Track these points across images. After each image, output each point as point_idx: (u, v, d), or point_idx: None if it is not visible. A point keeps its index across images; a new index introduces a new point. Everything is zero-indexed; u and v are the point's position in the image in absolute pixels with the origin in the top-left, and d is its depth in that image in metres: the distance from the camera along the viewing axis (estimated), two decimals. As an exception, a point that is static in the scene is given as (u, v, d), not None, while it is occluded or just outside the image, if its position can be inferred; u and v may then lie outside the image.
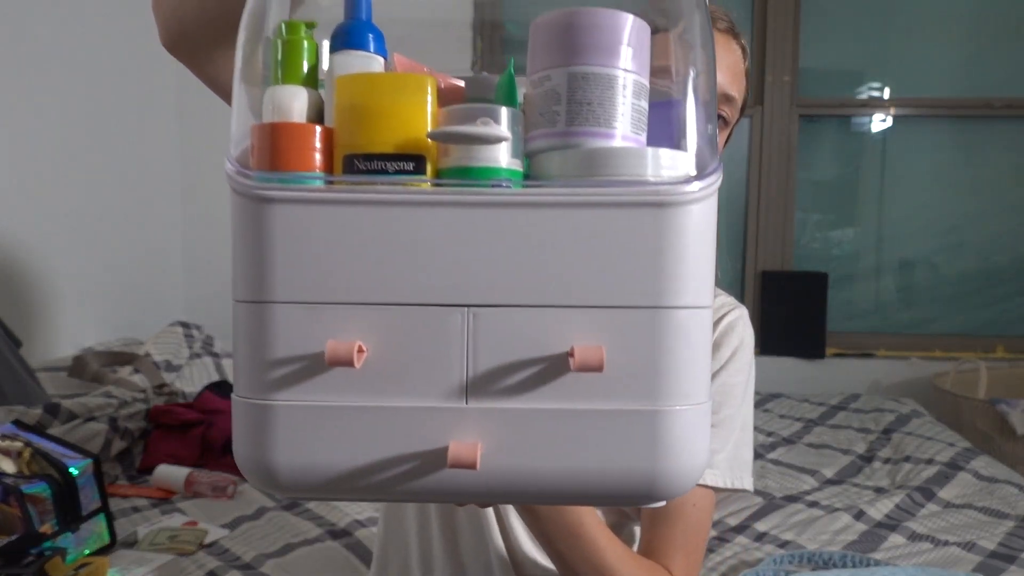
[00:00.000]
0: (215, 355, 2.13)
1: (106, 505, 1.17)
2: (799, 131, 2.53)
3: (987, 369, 2.27)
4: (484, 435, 0.42)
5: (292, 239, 0.41)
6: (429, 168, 0.41)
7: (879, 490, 1.58)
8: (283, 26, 0.45)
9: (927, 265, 2.61)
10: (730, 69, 0.86)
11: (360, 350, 0.41)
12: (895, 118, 2.55)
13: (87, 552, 1.12)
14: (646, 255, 0.41)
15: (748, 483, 0.82)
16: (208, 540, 1.23)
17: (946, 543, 1.30)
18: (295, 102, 0.43)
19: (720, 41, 0.85)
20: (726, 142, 0.99)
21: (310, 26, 0.46)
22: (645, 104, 0.45)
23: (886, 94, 2.56)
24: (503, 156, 0.42)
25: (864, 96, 2.57)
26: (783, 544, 1.31)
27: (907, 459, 1.72)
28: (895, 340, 2.55)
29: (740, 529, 1.37)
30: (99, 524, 1.15)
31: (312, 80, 0.45)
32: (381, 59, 0.45)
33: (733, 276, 2.64)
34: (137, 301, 2.39)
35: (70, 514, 1.10)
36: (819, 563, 1.21)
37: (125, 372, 1.90)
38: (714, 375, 0.87)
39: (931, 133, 2.56)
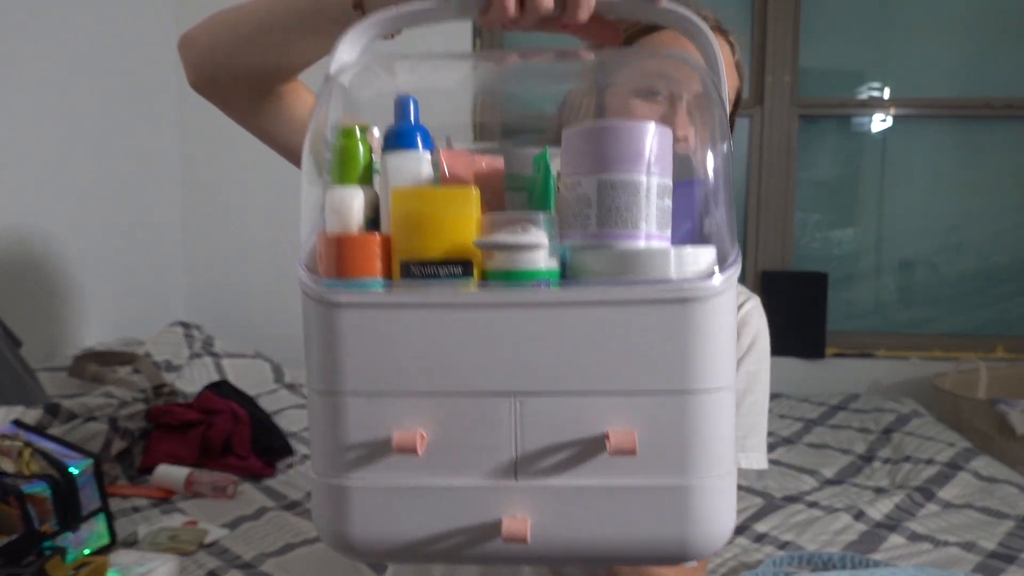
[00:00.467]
0: (215, 355, 2.13)
1: (106, 505, 1.17)
2: (799, 131, 2.53)
3: (987, 369, 2.27)
4: (532, 509, 0.47)
5: (358, 338, 0.46)
6: (476, 271, 0.46)
7: (879, 490, 1.58)
8: (340, 131, 0.51)
9: (927, 265, 2.61)
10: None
11: (422, 437, 0.46)
12: (895, 118, 2.55)
13: (87, 552, 1.12)
14: (673, 346, 0.45)
15: (766, 463, 0.90)
16: (208, 540, 1.23)
17: (946, 543, 1.30)
18: (354, 202, 0.48)
19: None
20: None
21: (363, 129, 0.51)
22: (668, 202, 0.49)
23: (886, 94, 2.56)
24: (541, 259, 0.46)
25: (864, 96, 2.57)
26: (783, 545, 1.31)
27: (907, 459, 1.72)
28: (895, 340, 2.55)
29: (740, 530, 1.37)
30: (99, 524, 1.15)
31: (368, 176, 0.50)
32: (428, 154, 0.50)
33: (733, 276, 2.64)
34: (137, 301, 2.39)
35: (70, 514, 1.10)
36: (818, 564, 1.21)
37: (125, 372, 1.90)
38: (739, 364, 0.94)
39: (931, 133, 2.56)
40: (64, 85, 2.10)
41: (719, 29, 0.90)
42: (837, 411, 2.16)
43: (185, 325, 2.21)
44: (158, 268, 2.54)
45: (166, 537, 1.22)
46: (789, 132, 2.52)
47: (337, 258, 0.46)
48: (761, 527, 1.38)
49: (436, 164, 0.51)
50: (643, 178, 0.47)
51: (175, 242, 2.64)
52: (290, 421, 1.89)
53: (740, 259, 0.48)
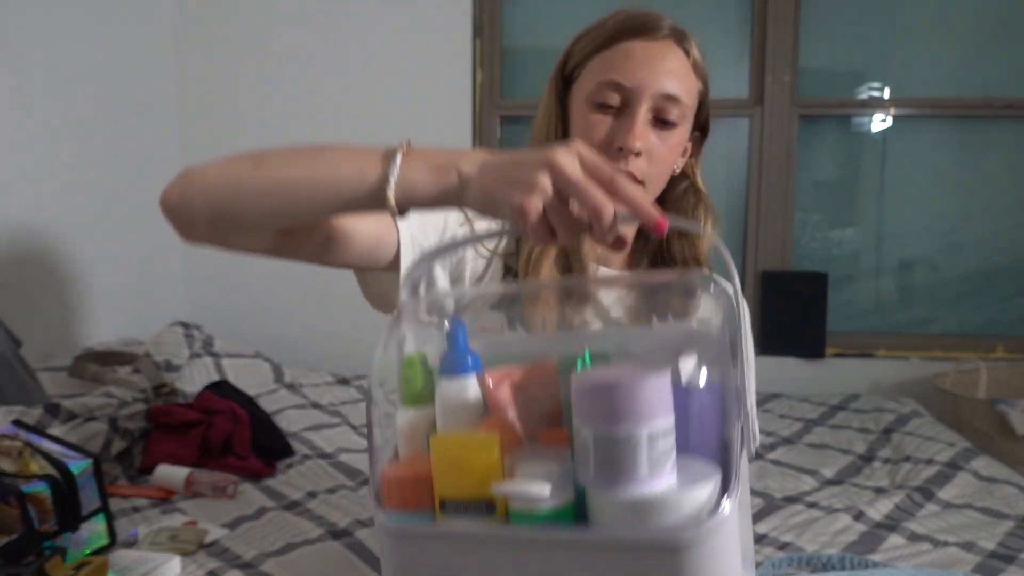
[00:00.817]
0: (215, 355, 2.13)
1: (106, 505, 1.17)
2: (799, 131, 2.53)
3: (987, 369, 2.27)
4: None
5: (409, 562, 0.55)
6: (499, 508, 0.52)
7: (879, 490, 1.58)
8: (404, 361, 0.60)
9: (927, 265, 2.61)
10: (671, 72, 0.89)
11: None
12: (895, 118, 2.55)
13: (87, 552, 1.12)
14: None
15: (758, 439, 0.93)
16: (208, 540, 1.24)
17: (946, 543, 1.29)
18: (419, 423, 0.58)
19: (655, 50, 0.89)
20: (703, 138, 0.99)
21: (422, 358, 0.60)
22: (667, 441, 0.51)
23: (886, 94, 2.56)
24: (552, 500, 0.51)
25: (864, 96, 2.57)
26: (783, 546, 1.31)
27: (907, 459, 1.72)
28: (895, 340, 2.55)
29: (740, 529, 1.37)
30: (99, 524, 1.15)
31: (430, 393, 0.59)
32: (474, 377, 0.58)
33: (733, 276, 2.63)
34: (137, 301, 2.39)
35: (70, 514, 1.10)
36: (817, 565, 1.21)
37: (125, 372, 1.90)
38: None
39: (931, 133, 2.56)
40: (64, 85, 2.10)
41: (674, 37, 0.90)
42: (837, 411, 2.16)
43: (185, 325, 2.21)
44: (158, 268, 2.54)
45: (166, 537, 1.23)
46: (789, 132, 2.52)
47: (395, 494, 0.56)
48: (761, 528, 1.38)
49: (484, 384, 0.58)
50: (636, 431, 0.49)
51: (175, 242, 2.63)
52: (290, 421, 1.89)
53: (739, 485, 0.50)
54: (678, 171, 0.98)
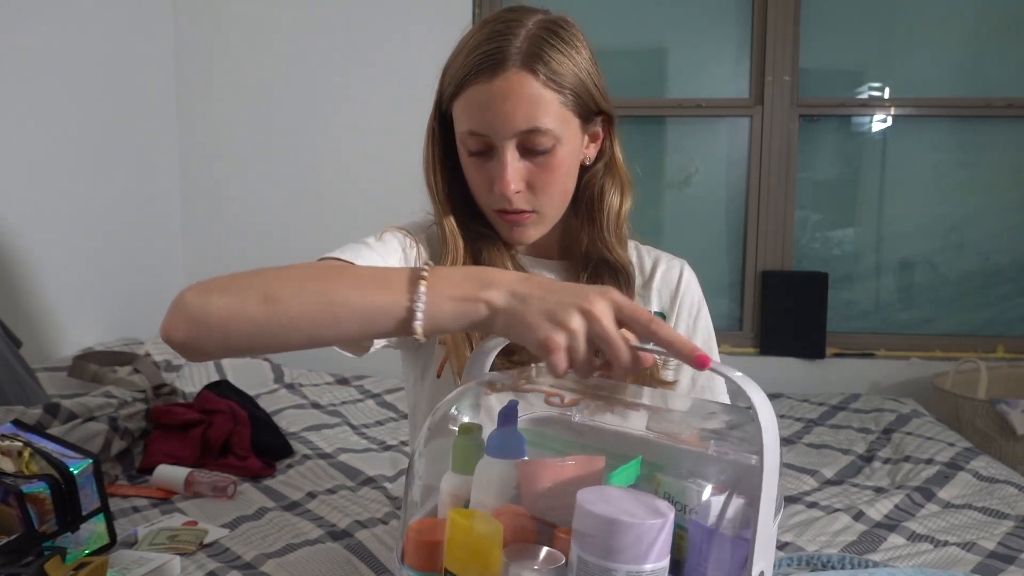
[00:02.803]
0: (215, 355, 2.13)
1: (106, 505, 1.16)
2: (799, 131, 2.53)
3: (987, 369, 2.27)
4: None
5: None
6: None
7: (879, 490, 1.58)
8: (460, 427, 0.63)
9: (927, 265, 2.61)
10: (521, 107, 0.84)
11: None
12: (895, 118, 2.55)
13: (87, 552, 1.12)
14: None
15: None
16: (208, 540, 1.23)
17: (946, 543, 1.30)
18: (461, 491, 0.60)
19: (499, 91, 0.84)
20: (611, 120, 0.95)
21: (477, 427, 0.63)
22: None
23: (886, 94, 2.56)
24: None
25: (864, 96, 2.57)
26: (783, 546, 1.31)
27: (907, 459, 1.72)
28: (895, 340, 2.55)
29: (740, 529, 1.37)
30: (99, 524, 1.15)
31: (474, 461, 0.61)
32: (511, 463, 0.59)
33: (733, 276, 2.64)
34: (137, 301, 2.39)
35: (70, 514, 1.10)
36: (817, 565, 1.21)
37: (125, 372, 1.90)
38: (695, 322, 1.00)
39: (931, 133, 2.56)
40: (64, 85, 2.10)
41: (522, 62, 0.83)
42: (837, 411, 2.16)
43: (185, 325, 2.21)
44: (158, 268, 2.54)
45: (166, 537, 1.22)
46: (789, 132, 2.52)
47: (413, 552, 0.59)
48: (761, 527, 1.38)
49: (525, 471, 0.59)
50: (625, 569, 0.49)
51: (175, 242, 2.64)
52: (290, 421, 1.89)
53: None
54: (589, 162, 0.95)
